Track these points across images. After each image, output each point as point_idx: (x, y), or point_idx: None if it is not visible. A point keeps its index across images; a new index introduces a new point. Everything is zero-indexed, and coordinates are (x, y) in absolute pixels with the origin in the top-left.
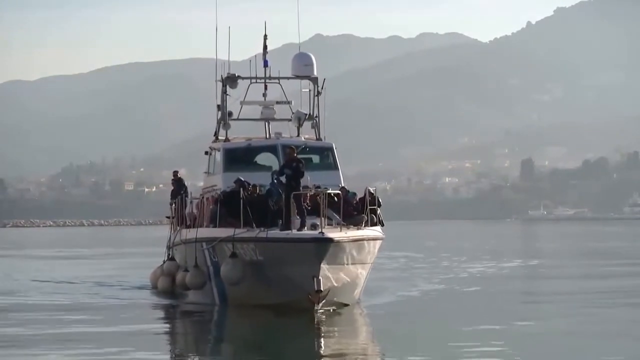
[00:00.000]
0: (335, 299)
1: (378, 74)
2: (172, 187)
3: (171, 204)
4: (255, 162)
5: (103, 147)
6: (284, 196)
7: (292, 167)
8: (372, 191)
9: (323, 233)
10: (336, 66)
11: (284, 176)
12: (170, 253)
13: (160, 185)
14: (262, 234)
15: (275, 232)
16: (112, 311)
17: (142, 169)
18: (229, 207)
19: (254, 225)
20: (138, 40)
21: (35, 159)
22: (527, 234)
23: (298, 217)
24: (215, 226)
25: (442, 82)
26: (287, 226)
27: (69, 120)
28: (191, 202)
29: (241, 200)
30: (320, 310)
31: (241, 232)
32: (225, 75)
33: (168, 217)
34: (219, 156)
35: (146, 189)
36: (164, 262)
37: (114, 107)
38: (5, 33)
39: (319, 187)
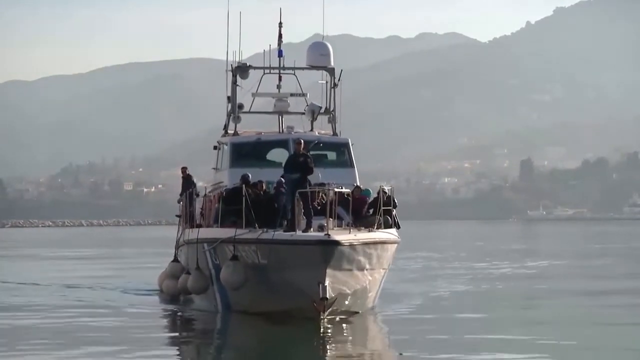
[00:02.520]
0: (344, 307)
1: (377, 74)
2: (182, 185)
3: (179, 202)
4: (265, 157)
5: (102, 147)
6: (290, 194)
7: (299, 163)
8: (387, 190)
9: (329, 235)
10: (335, 66)
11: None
12: (177, 254)
13: (160, 186)
14: (264, 235)
15: (278, 233)
16: (105, 320)
17: (141, 169)
18: (232, 205)
19: (257, 225)
20: (138, 40)
21: (34, 159)
22: (540, 235)
23: (304, 217)
24: (218, 226)
25: (442, 82)
26: (291, 227)
27: (69, 120)
28: (195, 199)
29: (243, 198)
30: (331, 319)
31: (242, 233)
32: (235, 65)
33: (178, 216)
34: (226, 151)
35: (145, 189)
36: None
37: (114, 107)
38: (5, 32)
39: (323, 184)
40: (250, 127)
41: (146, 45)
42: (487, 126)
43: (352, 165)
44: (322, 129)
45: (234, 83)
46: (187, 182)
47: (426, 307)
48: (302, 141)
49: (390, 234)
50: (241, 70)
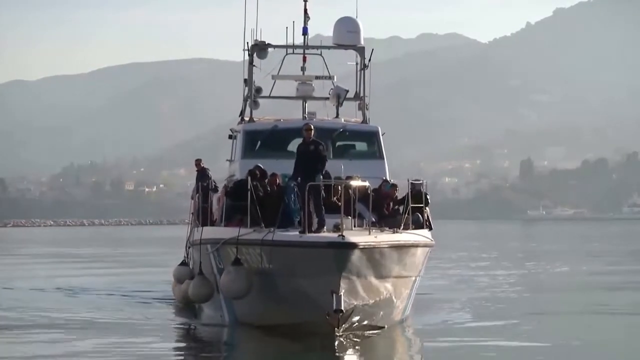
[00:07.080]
0: (364, 320)
1: (378, 74)
2: (196, 179)
3: (193, 198)
4: (284, 147)
5: (104, 147)
6: (301, 189)
7: (309, 152)
8: (418, 185)
9: (344, 236)
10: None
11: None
12: (185, 257)
13: (161, 186)
14: (270, 236)
15: (285, 234)
16: (98, 332)
17: (142, 169)
18: (238, 201)
19: (264, 223)
20: (138, 40)
21: (36, 158)
22: (550, 234)
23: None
24: (223, 225)
25: (443, 82)
26: (304, 227)
27: (71, 120)
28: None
29: (249, 193)
30: (349, 334)
31: (246, 233)
32: (252, 43)
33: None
34: (239, 139)
35: (147, 189)
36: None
37: (115, 107)
38: (6, 33)
39: (329, 176)
40: (271, 114)
41: (146, 45)
42: (487, 126)
43: (381, 157)
44: (351, 117)
45: (251, 63)
46: (202, 175)
47: (467, 319)
48: (312, 127)
49: (421, 235)
50: (259, 48)
